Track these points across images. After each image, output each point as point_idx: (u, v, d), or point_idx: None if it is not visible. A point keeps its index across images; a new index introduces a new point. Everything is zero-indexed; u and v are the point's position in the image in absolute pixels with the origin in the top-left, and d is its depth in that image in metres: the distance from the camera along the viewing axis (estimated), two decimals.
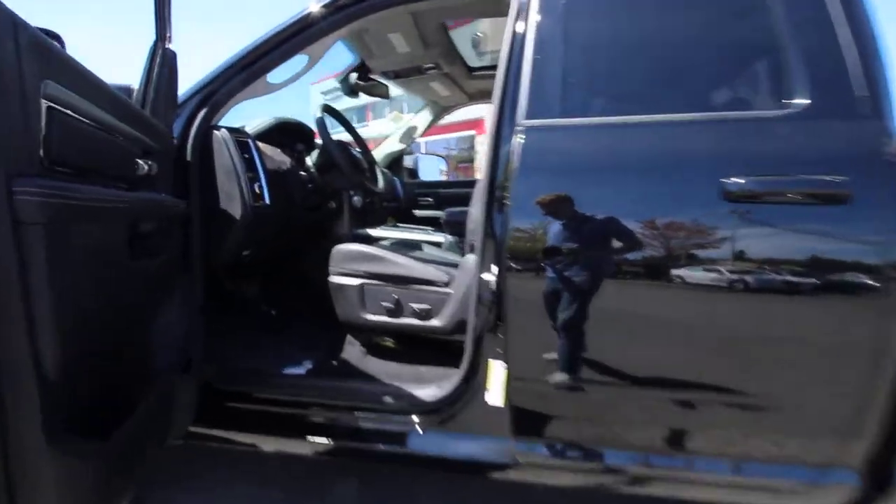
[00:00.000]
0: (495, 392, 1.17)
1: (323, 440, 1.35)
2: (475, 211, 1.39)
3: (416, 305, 1.52)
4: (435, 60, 2.26)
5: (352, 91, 2.33)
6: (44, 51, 0.72)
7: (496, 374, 1.17)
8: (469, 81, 2.59)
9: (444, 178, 3.43)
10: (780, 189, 1.01)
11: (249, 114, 1.95)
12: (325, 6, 1.41)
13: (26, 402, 0.70)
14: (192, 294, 1.37)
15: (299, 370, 1.59)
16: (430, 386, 1.33)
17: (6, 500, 0.72)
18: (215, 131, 1.46)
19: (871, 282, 0.97)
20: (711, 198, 1.01)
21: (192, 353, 1.36)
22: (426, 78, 2.48)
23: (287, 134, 2.03)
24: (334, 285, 1.61)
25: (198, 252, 1.37)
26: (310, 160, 2.00)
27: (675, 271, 1.04)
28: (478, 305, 1.19)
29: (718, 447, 1.13)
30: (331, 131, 1.95)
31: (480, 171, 1.29)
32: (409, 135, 3.01)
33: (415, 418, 1.31)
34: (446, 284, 1.51)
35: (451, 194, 2.96)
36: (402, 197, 2.82)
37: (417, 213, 2.97)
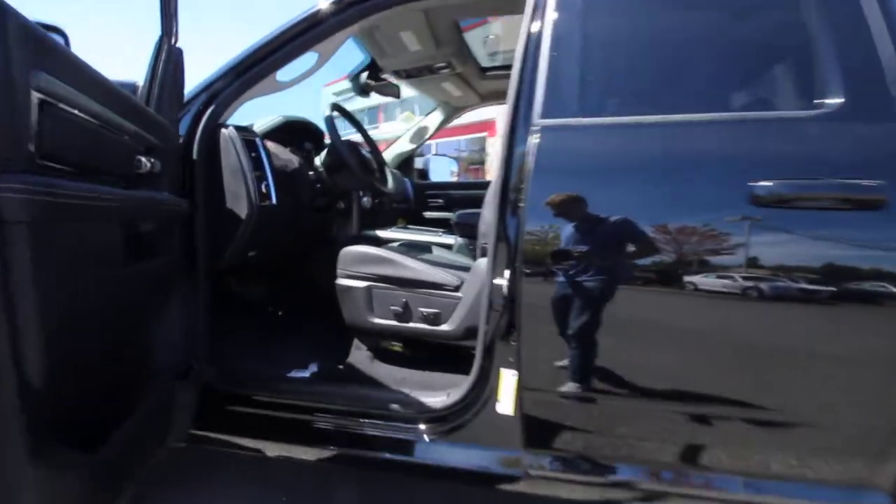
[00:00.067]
0: (506, 401, 1.14)
1: (327, 446, 1.32)
2: (488, 213, 1.35)
3: (424, 310, 1.49)
4: (447, 60, 2.22)
5: (362, 90, 2.30)
6: (35, 40, 0.69)
7: (507, 382, 1.14)
8: (481, 82, 2.55)
9: (455, 179, 3.38)
10: (810, 193, 0.96)
11: (259, 112, 1.94)
12: (335, 2, 1.38)
13: (6, 411, 0.67)
14: (195, 296, 1.34)
15: (304, 374, 1.57)
16: (439, 393, 1.30)
17: None
18: (222, 129, 1.43)
19: None
20: (738, 202, 0.96)
21: (192, 357, 1.33)
22: (438, 78, 2.44)
23: (295, 133, 2.00)
24: (341, 288, 1.58)
25: (203, 253, 1.34)
26: (318, 160, 1.97)
27: (698, 279, 0.99)
28: (489, 311, 1.15)
29: (740, 464, 1.08)
30: (341, 132, 1.92)
31: (493, 173, 1.25)
32: (419, 135, 2.98)
33: (422, 426, 1.27)
34: (456, 289, 1.48)
35: (463, 196, 2.92)
36: (412, 198, 2.79)
37: (427, 214, 2.94)
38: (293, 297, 2.12)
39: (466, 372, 1.23)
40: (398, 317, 1.51)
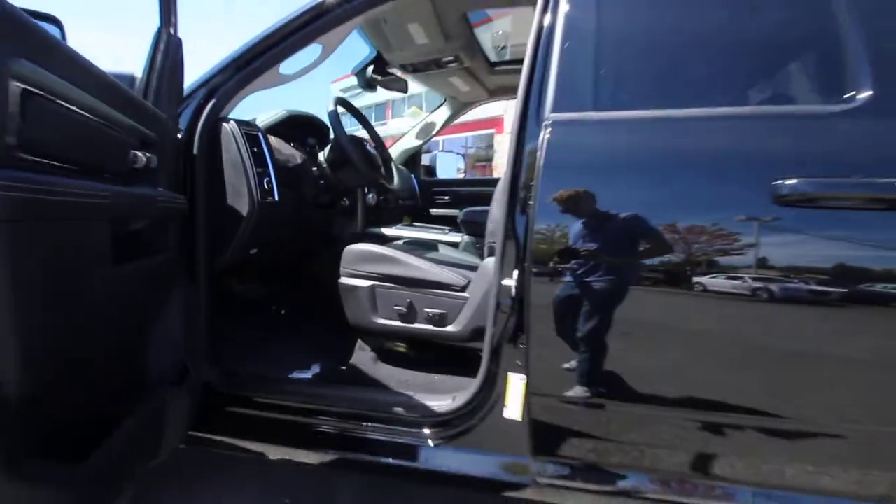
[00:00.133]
0: (514, 406, 1.10)
1: (328, 450, 1.29)
2: (496, 211, 1.31)
3: (430, 310, 1.46)
4: (455, 53, 2.17)
5: (368, 85, 2.26)
6: (15, 25, 0.65)
7: (515, 387, 1.10)
8: (490, 76, 2.50)
9: (462, 176, 3.34)
10: (837, 192, 0.91)
11: (263, 107, 1.90)
12: None
13: None
14: (194, 295, 1.30)
15: (306, 375, 1.54)
16: (444, 397, 1.27)
17: None
18: (224, 124, 1.40)
19: None
20: (760, 201, 0.91)
21: (189, 360, 1.29)
22: (445, 72, 2.40)
23: (299, 128, 1.96)
24: (345, 287, 1.54)
25: (202, 251, 1.31)
26: (322, 155, 1.93)
27: (716, 281, 0.94)
28: (496, 312, 1.11)
29: (762, 476, 1.03)
30: (348, 128, 1.88)
31: (502, 169, 1.21)
32: (426, 131, 2.94)
33: (426, 431, 1.24)
34: (463, 288, 1.44)
35: (470, 193, 2.88)
36: (418, 195, 2.75)
37: (434, 211, 2.90)
38: (295, 297, 2.10)
39: (473, 374, 1.20)
40: (403, 317, 1.48)
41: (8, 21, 0.64)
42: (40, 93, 0.68)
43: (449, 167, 3.27)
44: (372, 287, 1.50)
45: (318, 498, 1.45)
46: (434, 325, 1.46)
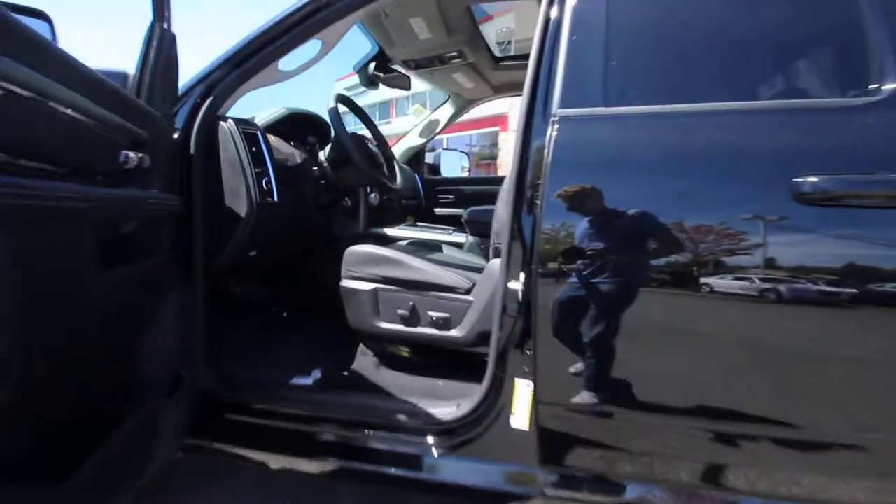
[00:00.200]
0: (521, 414, 1.07)
1: (328, 458, 1.26)
2: (501, 211, 1.27)
3: (433, 314, 1.42)
4: (459, 48, 2.13)
5: (370, 82, 2.22)
6: None
7: (522, 394, 1.06)
8: (494, 72, 2.46)
9: (466, 174, 3.29)
10: (862, 190, 0.86)
11: (263, 105, 1.87)
12: None
13: None
14: (190, 300, 1.27)
15: (306, 381, 1.50)
16: (448, 404, 1.24)
17: None
18: (221, 122, 1.36)
19: None
20: (780, 199, 0.87)
21: (184, 368, 1.25)
22: (449, 68, 2.35)
23: (300, 126, 1.92)
24: (346, 290, 1.51)
25: (200, 253, 1.27)
26: (323, 154, 1.89)
27: (733, 283, 0.89)
28: (502, 316, 1.07)
29: (776, 487, 0.98)
30: (350, 126, 1.84)
31: (508, 168, 1.16)
32: (430, 129, 2.89)
33: (430, 439, 1.21)
34: (468, 291, 1.40)
35: (474, 192, 2.83)
36: (422, 194, 2.71)
37: (438, 211, 2.85)
38: (295, 300, 2.06)
39: (478, 380, 1.16)
40: (405, 321, 1.44)
41: None
42: (16, 89, 0.63)
43: (453, 165, 3.22)
44: (374, 290, 1.47)
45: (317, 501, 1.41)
46: (438, 330, 1.42)
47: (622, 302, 0.95)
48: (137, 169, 0.99)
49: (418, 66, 2.31)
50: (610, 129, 1.00)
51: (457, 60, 2.25)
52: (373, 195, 2.14)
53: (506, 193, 1.13)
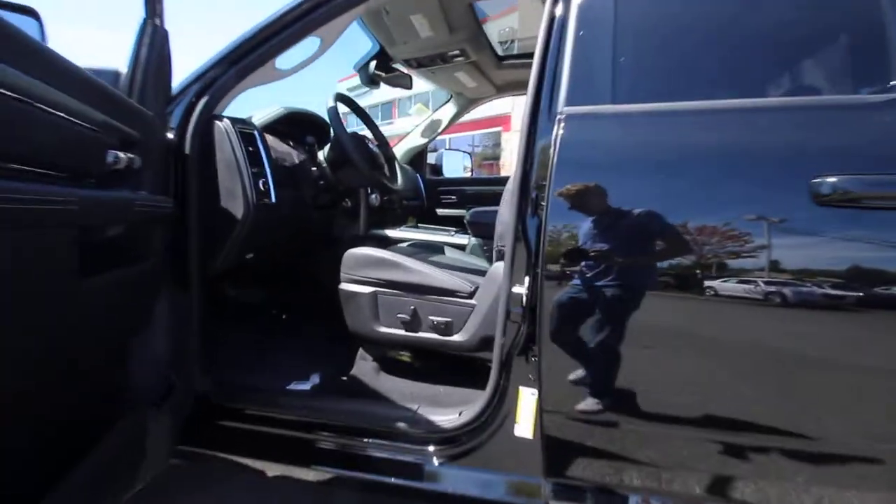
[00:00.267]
0: (525, 423, 1.04)
1: (326, 467, 1.22)
2: (505, 212, 1.24)
3: (435, 318, 1.38)
4: (461, 47, 2.09)
5: (371, 81, 2.18)
6: None
7: (526, 402, 1.03)
8: (498, 71, 2.42)
9: (469, 174, 3.26)
10: (884, 191, 0.82)
11: (260, 104, 1.83)
12: None
13: None
14: (185, 304, 1.23)
15: (304, 386, 1.47)
16: (450, 411, 1.21)
17: None
18: (217, 122, 1.33)
19: None
20: (798, 201, 0.83)
21: (176, 374, 1.22)
22: (451, 67, 2.32)
23: (298, 125, 1.89)
24: (345, 293, 1.47)
25: (195, 256, 1.24)
26: (322, 154, 1.86)
27: (750, 288, 0.85)
28: (506, 321, 1.04)
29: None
30: (352, 127, 1.81)
31: (510, 168, 1.13)
32: (432, 129, 2.86)
33: (431, 448, 1.17)
34: (470, 295, 1.37)
35: (477, 192, 2.80)
36: (423, 195, 2.68)
37: (440, 211, 2.82)
38: (293, 303, 2.03)
39: (480, 386, 1.13)
40: (406, 325, 1.41)
41: None
42: None
43: (455, 166, 3.19)
44: (374, 293, 1.43)
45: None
46: (439, 334, 1.39)
47: (631, 307, 0.91)
48: (127, 170, 0.95)
49: (420, 64, 2.27)
50: (619, 127, 0.96)
51: (459, 59, 2.21)
52: (373, 196, 2.11)
53: (509, 194, 1.09)
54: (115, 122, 0.90)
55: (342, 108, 1.78)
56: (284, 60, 1.40)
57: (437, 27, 1.90)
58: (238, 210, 1.31)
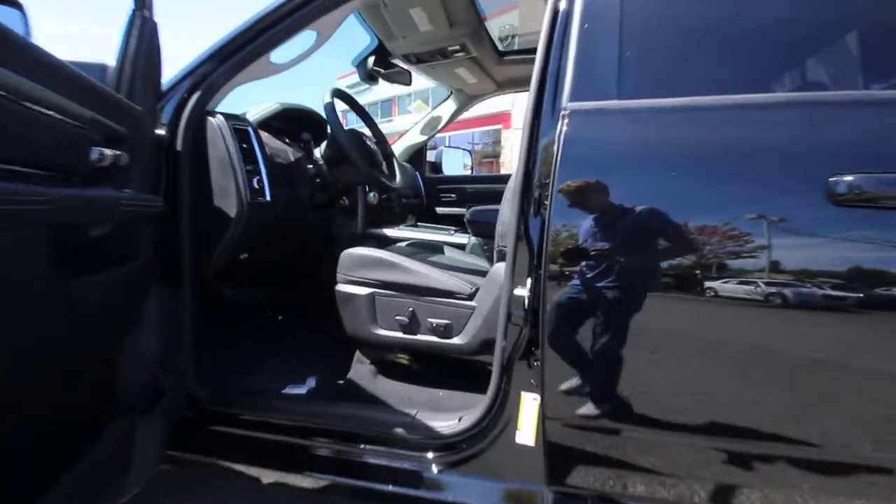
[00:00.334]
0: (527, 430, 1.01)
1: (321, 474, 1.20)
2: (506, 212, 1.20)
3: (434, 320, 1.36)
4: (461, 42, 2.05)
5: (369, 77, 2.14)
6: None
7: (528, 408, 1.00)
8: (499, 67, 2.38)
9: (469, 172, 3.22)
10: None
11: (255, 99, 1.80)
12: None
13: None
14: (176, 306, 1.20)
15: (299, 390, 1.44)
16: (450, 416, 1.18)
17: None
18: (210, 118, 1.30)
19: None
20: (814, 200, 0.79)
21: (166, 378, 1.19)
22: (451, 63, 2.28)
23: (294, 122, 1.85)
24: (342, 294, 1.44)
25: (187, 257, 1.21)
26: (318, 152, 1.82)
27: (758, 290, 0.82)
28: (507, 324, 1.01)
29: None
30: (351, 124, 1.77)
31: (511, 166, 1.09)
32: (431, 126, 2.82)
33: (429, 455, 1.15)
34: (470, 297, 1.34)
35: (478, 190, 2.76)
36: (423, 193, 2.64)
37: (440, 210, 2.78)
38: (289, 304, 2.00)
39: (481, 390, 1.10)
40: (404, 328, 1.38)
41: None
42: None
43: (455, 163, 3.16)
44: (371, 295, 1.40)
45: None
46: (439, 337, 1.36)
47: (639, 311, 0.88)
48: (113, 167, 0.91)
49: (419, 60, 2.23)
50: (625, 123, 0.93)
51: (459, 54, 2.17)
52: (371, 194, 2.08)
53: (511, 193, 1.06)
54: (101, 117, 0.86)
55: (341, 106, 1.74)
56: (280, 54, 1.37)
57: (436, 21, 1.86)
58: (231, 209, 1.28)
